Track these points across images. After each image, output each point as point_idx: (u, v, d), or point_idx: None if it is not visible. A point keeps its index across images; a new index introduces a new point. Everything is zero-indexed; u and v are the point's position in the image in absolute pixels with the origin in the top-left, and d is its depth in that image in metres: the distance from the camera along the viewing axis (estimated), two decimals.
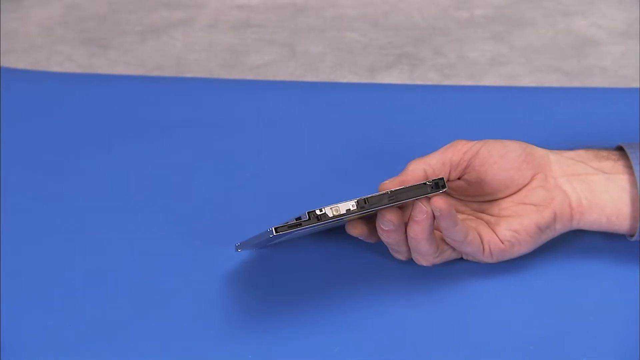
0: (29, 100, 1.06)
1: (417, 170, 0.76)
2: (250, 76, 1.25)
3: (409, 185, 0.73)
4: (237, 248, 0.81)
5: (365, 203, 0.72)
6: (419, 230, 0.74)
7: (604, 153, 0.78)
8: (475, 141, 0.76)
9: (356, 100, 1.07)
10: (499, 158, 0.76)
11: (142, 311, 0.80)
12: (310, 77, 1.24)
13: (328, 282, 0.81)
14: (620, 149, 0.79)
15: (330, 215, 0.71)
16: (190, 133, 1.01)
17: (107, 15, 1.40)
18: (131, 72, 1.27)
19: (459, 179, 0.77)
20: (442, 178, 0.73)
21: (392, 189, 0.72)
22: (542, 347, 0.71)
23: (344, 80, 1.23)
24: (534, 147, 0.77)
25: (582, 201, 0.77)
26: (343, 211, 0.72)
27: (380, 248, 0.79)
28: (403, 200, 0.72)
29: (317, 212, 0.71)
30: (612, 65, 1.24)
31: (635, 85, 1.19)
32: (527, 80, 1.22)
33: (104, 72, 1.27)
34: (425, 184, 0.73)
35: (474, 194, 0.78)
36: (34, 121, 1.03)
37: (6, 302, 0.81)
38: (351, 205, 0.72)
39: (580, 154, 0.78)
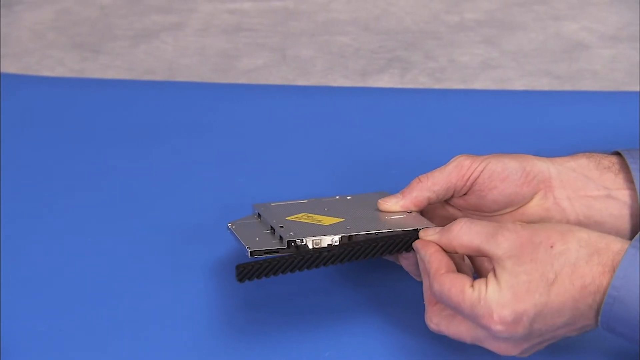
0: (19, 105, 1.06)
1: (421, 198, 0.76)
2: (241, 80, 1.25)
3: (398, 232, 0.73)
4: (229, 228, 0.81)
5: (349, 240, 0.72)
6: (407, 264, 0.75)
7: (606, 163, 0.76)
8: (478, 161, 0.75)
9: (347, 104, 1.07)
10: (499, 182, 0.75)
11: (138, 317, 0.80)
12: (301, 81, 1.24)
13: (320, 286, 0.81)
14: (618, 154, 0.78)
15: (310, 247, 0.72)
16: (182, 136, 1.01)
17: (98, 19, 1.40)
18: (122, 76, 1.27)
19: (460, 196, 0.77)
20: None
21: (381, 235, 0.73)
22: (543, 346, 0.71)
23: (335, 84, 1.23)
24: (535, 161, 0.76)
25: (580, 219, 0.76)
26: (324, 245, 0.72)
27: None
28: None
29: (298, 242, 0.72)
30: (603, 69, 1.24)
31: (625, 88, 1.20)
32: (518, 84, 1.22)
33: (95, 77, 1.27)
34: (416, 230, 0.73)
35: (474, 209, 0.78)
36: (24, 125, 1.03)
37: (6, 305, 0.80)
38: (332, 239, 0.72)
39: (582, 163, 0.77)
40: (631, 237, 0.75)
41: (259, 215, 0.80)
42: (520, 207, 0.76)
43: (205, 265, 0.84)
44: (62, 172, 0.96)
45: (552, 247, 0.65)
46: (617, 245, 0.65)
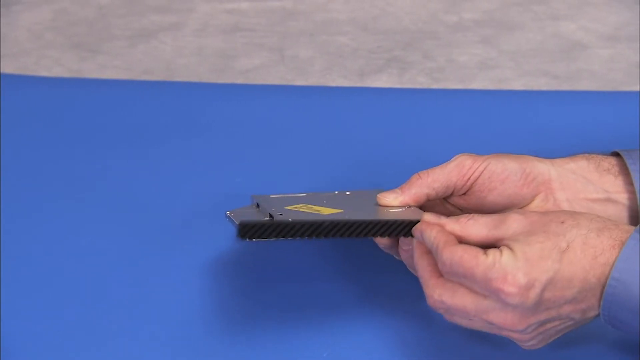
0: (17, 105, 1.06)
1: (420, 194, 0.76)
2: (239, 80, 1.25)
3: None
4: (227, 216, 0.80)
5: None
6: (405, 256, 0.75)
7: (605, 165, 0.77)
8: (480, 161, 0.75)
9: (346, 104, 1.07)
10: (499, 184, 0.75)
11: (138, 317, 0.80)
12: (299, 81, 1.24)
13: (319, 284, 0.81)
14: (617, 155, 0.78)
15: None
16: (180, 136, 1.01)
17: (96, 19, 1.40)
18: (120, 76, 1.26)
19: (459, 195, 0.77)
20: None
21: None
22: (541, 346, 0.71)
23: (334, 84, 1.23)
24: (535, 162, 0.76)
25: None
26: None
27: (375, 249, 0.78)
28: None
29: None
30: (601, 69, 1.24)
31: (623, 88, 1.20)
32: (516, 84, 1.22)
33: (93, 77, 1.26)
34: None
35: (474, 209, 0.78)
36: (22, 125, 1.03)
37: (6, 305, 0.80)
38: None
39: (581, 165, 0.77)
40: None
41: (258, 205, 0.80)
42: (520, 208, 0.76)
43: (204, 264, 0.84)
44: (60, 172, 0.96)
45: (562, 222, 0.66)
46: (626, 227, 0.67)
